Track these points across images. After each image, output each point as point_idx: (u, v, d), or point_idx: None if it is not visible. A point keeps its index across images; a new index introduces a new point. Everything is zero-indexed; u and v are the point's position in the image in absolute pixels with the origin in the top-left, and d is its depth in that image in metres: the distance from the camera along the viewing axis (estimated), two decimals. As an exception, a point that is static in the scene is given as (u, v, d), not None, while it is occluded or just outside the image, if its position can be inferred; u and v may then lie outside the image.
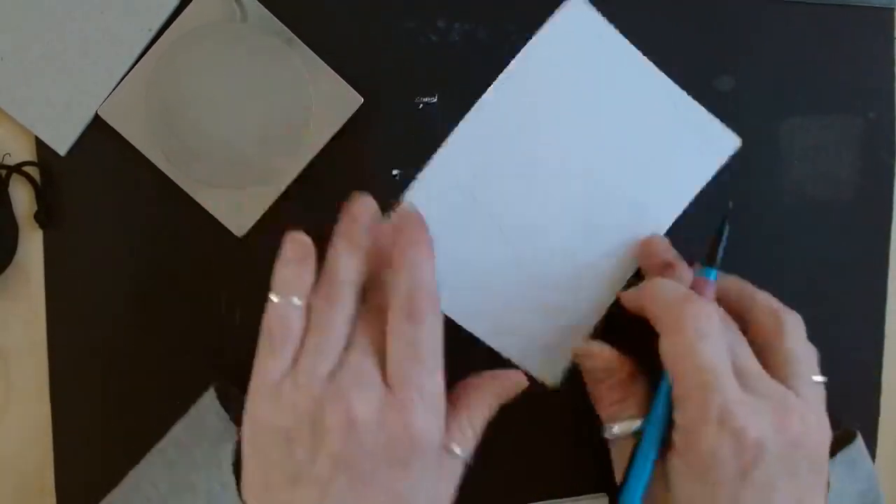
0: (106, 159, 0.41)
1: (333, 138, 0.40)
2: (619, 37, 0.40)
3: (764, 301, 0.38)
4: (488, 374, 0.37)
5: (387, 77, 0.41)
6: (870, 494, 0.39)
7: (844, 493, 0.38)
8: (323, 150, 0.40)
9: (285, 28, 0.40)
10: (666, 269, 0.39)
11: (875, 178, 0.42)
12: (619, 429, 0.37)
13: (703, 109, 0.41)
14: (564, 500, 0.43)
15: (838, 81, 0.42)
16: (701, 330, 0.34)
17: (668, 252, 0.39)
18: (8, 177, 0.41)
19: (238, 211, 0.41)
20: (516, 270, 0.41)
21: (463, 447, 0.34)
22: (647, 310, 0.36)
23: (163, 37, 0.40)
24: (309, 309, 0.34)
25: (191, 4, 0.40)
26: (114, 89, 0.40)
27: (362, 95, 0.40)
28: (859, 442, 0.40)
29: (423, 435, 0.32)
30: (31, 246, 0.41)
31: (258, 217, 0.41)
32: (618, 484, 0.37)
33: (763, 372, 0.35)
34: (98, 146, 0.41)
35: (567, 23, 0.40)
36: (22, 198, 0.41)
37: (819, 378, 0.36)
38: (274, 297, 0.33)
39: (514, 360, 0.41)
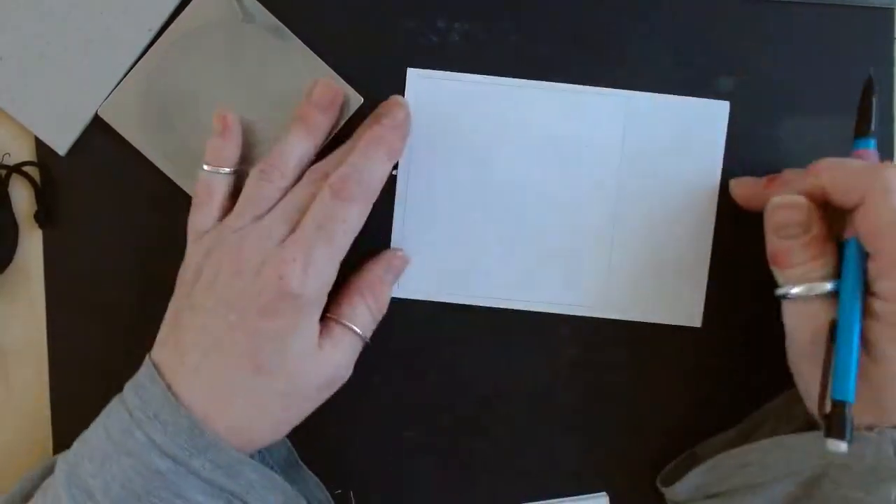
0: (106, 159, 0.41)
1: (333, 138, 0.40)
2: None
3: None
4: (375, 258, 0.39)
5: (387, 77, 0.41)
6: None
7: None
8: (323, 151, 0.40)
9: (285, 28, 0.40)
10: (772, 183, 0.38)
11: (875, 178, 0.42)
12: (802, 290, 0.35)
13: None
14: (564, 499, 0.43)
15: (838, 81, 0.42)
16: None
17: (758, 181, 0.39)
18: (8, 177, 0.41)
19: (238, 211, 0.41)
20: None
21: (357, 324, 0.37)
22: (835, 188, 0.35)
23: (163, 37, 0.40)
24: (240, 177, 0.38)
25: (191, 4, 0.40)
26: (114, 89, 0.40)
27: (362, 95, 0.40)
28: None
29: (294, 289, 0.34)
30: (31, 246, 0.41)
31: (258, 217, 0.41)
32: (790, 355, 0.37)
33: None
34: (98, 146, 0.41)
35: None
36: (22, 198, 0.41)
37: None
38: (204, 167, 0.38)
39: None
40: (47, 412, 0.42)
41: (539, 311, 0.42)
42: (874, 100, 0.37)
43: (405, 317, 0.42)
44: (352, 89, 0.40)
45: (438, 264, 0.41)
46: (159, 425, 0.34)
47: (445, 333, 0.42)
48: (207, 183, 0.38)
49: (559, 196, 0.41)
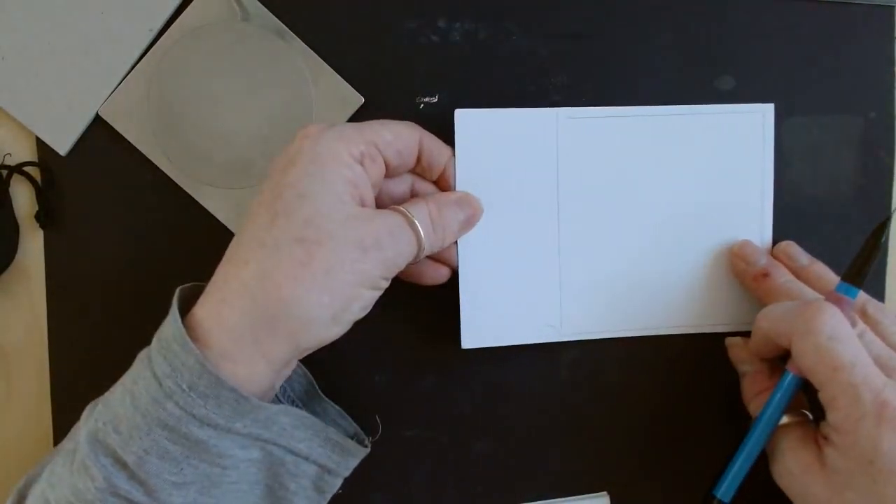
0: (107, 159, 0.41)
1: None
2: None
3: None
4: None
5: (387, 77, 0.41)
6: None
7: None
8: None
9: (286, 28, 0.40)
10: (762, 279, 0.40)
11: (874, 178, 0.42)
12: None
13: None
14: (564, 499, 0.43)
15: (838, 81, 0.42)
16: (832, 331, 0.34)
17: (762, 258, 0.40)
18: (9, 177, 0.41)
19: (239, 211, 0.41)
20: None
21: (413, 213, 0.36)
22: (772, 333, 0.37)
23: (164, 36, 0.40)
24: None
25: (192, 4, 0.40)
26: (115, 89, 0.40)
27: (363, 95, 0.40)
28: None
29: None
30: (32, 246, 0.41)
31: (259, 217, 0.41)
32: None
33: None
34: (99, 146, 0.41)
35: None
36: (22, 198, 0.41)
37: None
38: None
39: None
40: (48, 412, 0.42)
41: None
42: (880, 250, 0.36)
43: (405, 317, 0.42)
44: (352, 89, 0.40)
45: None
46: (198, 399, 0.31)
47: (446, 332, 0.42)
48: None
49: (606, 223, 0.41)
